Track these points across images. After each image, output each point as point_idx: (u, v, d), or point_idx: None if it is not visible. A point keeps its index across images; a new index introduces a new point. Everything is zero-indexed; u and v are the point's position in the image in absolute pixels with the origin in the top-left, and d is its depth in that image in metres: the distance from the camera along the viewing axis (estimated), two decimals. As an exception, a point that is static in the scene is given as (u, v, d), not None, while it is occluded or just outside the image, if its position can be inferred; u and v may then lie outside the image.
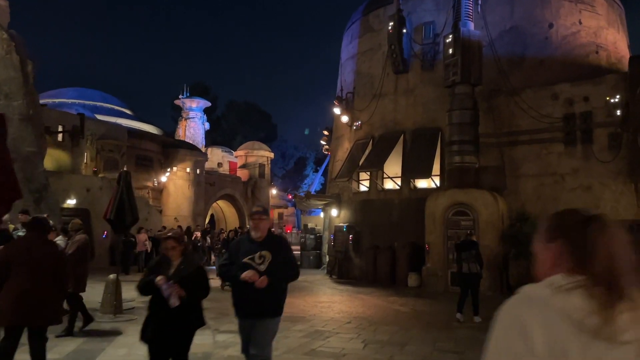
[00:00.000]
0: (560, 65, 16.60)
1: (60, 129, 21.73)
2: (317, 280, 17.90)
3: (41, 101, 30.51)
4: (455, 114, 15.32)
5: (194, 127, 57.36)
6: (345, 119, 19.61)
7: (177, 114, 61.07)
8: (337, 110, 19.70)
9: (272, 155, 44.48)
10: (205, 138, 63.99)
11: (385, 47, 18.19)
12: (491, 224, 14.38)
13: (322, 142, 23.55)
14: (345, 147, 20.19)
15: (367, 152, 18.30)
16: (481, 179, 15.52)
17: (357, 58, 20.03)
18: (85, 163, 24.77)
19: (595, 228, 1.43)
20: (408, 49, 17.80)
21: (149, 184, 31.17)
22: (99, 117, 29.02)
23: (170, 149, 33.08)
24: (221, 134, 76.46)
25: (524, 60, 16.82)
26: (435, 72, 17.29)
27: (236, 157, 44.01)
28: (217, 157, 48.25)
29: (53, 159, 21.86)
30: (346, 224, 18.60)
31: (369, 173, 18.16)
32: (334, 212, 19.75)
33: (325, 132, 23.19)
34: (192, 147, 34.92)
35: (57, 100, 29.72)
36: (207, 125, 59.45)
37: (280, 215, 57.07)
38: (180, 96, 58.29)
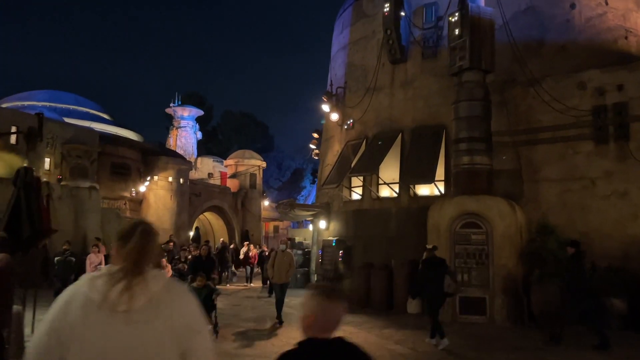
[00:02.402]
0: (585, 52, 14.08)
1: (13, 129, 19.21)
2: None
3: (10, 104, 28.09)
4: (463, 106, 12.79)
5: (185, 136, 54.99)
6: (334, 116, 17.10)
7: (170, 123, 58.57)
8: (325, 108, 17.19)
9: (264, 164, 41.93)
10: (200, 149, 61.64)
11: (380, 35, 15.74)
12: (508, 238, 11.79)
13: (312, 146, 21.02)
14: (335, 150, 17.66)
15: (359, 154, 15.76)
16: (494, 184, 12.96)
17: (348, 48, 17.58)
18: (48, 170, 22.24)
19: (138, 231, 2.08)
20: (407, 35, 15.36)
21: (126, 194, 28.63)
22: (71, 120, 26.58)
23: (151, 156, 30.58)
24: (216, 144, 74.37)
25: (542, 45, 14.32)
26: (438, 61, 14.82)
27: (226, 166, 41.47)
28: (207, 167, 45.74)
29: (6, 164, 19.36)
30: (335, 238, 16.00)
31: (361, 179, 15.60)
32: (322, 224, 17.16)
33: (315, 135, 20.67)
34: (174, 155, 32.47)
35: (26, 103, 27.37)
36: (199, 135, 57.12)
37: (276, 229, 54.30)
38: (171, 104, 56.02)
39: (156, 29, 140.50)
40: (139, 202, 30.13)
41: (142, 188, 29.45)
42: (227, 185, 40.39)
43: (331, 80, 18.41)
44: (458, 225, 12.09)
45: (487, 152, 12.66)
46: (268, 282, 15.33)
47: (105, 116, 30.51)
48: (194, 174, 44.33)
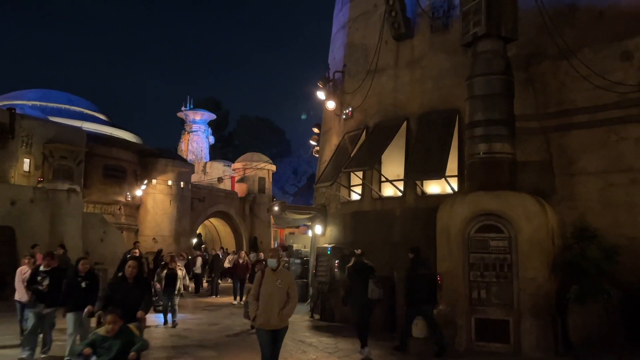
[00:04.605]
0: (628, 17, 11.51)
1: (-21, 126, 17.50)
2: (290, 323, 12.94)
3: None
4: (479, 81, 10.40)
5: (197, 140, 53.38)
6: (331, 104, 14.83)
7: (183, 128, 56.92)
8: (321, 95, 14.94)
9: (273, 167, 39.86)
10: (216, 154, 60.07)
11: (383, 8, 13.44)
12: (537, 244, 9.33)
13: (312, 142, 18.79)
14: (333, 144, 15.38)
15: (357, 146, 13.46)
16: (519, 178, 10.51)
17: (348, 27, 15.32)
18: (28, 171, 20.46)
19: None
20: (412, 5, 13.05)
21: (121, 198, 26.81)
22: (62, 120, 24.87)
23: (149, 158, 28.74)
24: (232, 150, 72.90)
25: (575, 11, 11.77)
26: (449, 34, 12.46)
27: (233, 169, 39.52)
28: (217, 172, 43.88)
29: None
30: (331, 245, 13.70)
31: (360, 175, 13.29)
32: (318, 229, 14.88)
33: (315, 130, 18.43)
34: (174, 157, 30.56)
35: (16, 102, 25.76)
36: (211, 139, 55.48)
37: (292, 236, 52.11)
38: (182, 108, 54.55)
39: (173, 33, 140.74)
40: (135, 207, 28.29)
41: (139, 192, 27.60)
42: (236, 189, 38.42)
43: (330, 66, 16.18)
44: (473, 229, 9.67)
45: (509, 138, 10.22)
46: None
47: (101, 116, 28.81)
48: (203, 179, 42.54)
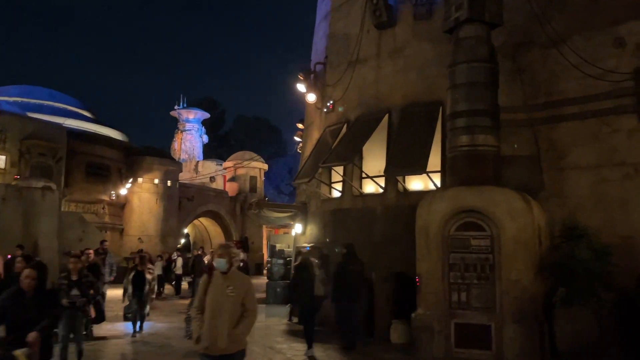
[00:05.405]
0: (621, 3, 10.75)
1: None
2: (265, 327, 12.30)
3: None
4: (461, 69, 9.70)
5: (190, 139, 52.72)
6: (312, 97, 14.14)
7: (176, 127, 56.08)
8: (301, 87, 14.25)
9: (265, 166, 39.15)
10: (212, 153, 59.32)
11: (366, -4, 12.77)
12: (522, 244, 8.63)
13: (297, 139, 18.12)
14: (315, 138, 14.70)
15: (337, 141, 12.77)
16: (504, 174, 9.82)
17: (330, 17, 14.65)
18: (3, 168, 19.79)
19: None
20: (395, -9, 12.38)
21: (105, 197, 26.09)
22: (43, 116, 24.16)
23: (135, 156, 28.05)
24: (228, 149, 72.26)
25: (566, -4, 11.14)
26: (433, 21, 11.77)
27: (224, 168, 38.82)
28: (209, 171, 43.19)
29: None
30: (310, 245, 13.01)
31: (341, 171, 12.60)
32: (298, 227, 14.20)
33: (300, 125, 17.76)
34: (161, 155, 29.85)
35: (-3, 98, 25.04)
36: (205, 138, 54.84)
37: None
38: (175, 107, 53.85)
39: (168, 33, 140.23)
40: (120, 206, 27.60)
41: (123, 191, 26.90)
42: (227, 188, 37.73)
43: (312, 58, 15.51)
44: (453, 227, 8.98)
45: (492, 130, 9.53)
46: None
47: (85, 112, 28.10)
48: (194, 178, 41.83)
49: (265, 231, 39.70)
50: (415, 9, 12.09)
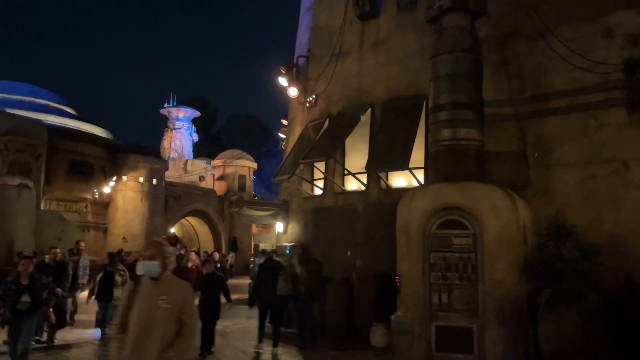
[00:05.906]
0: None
1: None
2: (243, 329, 11.84)
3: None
4: (444, 60, 9.28)
5: (180, 138, 52.07)
6: (293, 91, 13.70)
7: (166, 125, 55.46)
8: (283, 81, 13.79)
9: (254, 165, 38.67)
10: (203, 152, 58.69)
11: (350, -13, 12.34)
12: (506, 243, 8.22)
13: (281, 135, 17.66)
14: (297, 134, 14.25)
15: (318, 137, 12.33)
16: (489, 170, 9.41)
17: (314, 8, 14.21)
18: (-20, 166, 19.20)
19: None
20: (378, -19, 11.95)
21: (88, 195, 25.51)
22: (24, 113, 23.60)
23: (119, 154, 27.49)
24: (220, 148, 71.69)
25: (554, -14, 10.75)
26: (418, 12, 11.33)
27: (213, 167, 38.29)
28: (198, 169, 42.68)
29: None
30: (290, 244, 12.58)
31: (323, 168, 12.16)
32: (279, 226, 13.76)
33: (284, 122, 17.31)
34: (145, 152, 29.28)
35: (-25, 94, 24.47)
36: (195, 137, 54.28)
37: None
38: (165, 105, 53.25)
39: (159, 31, 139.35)
40: (104, 205, 27.04)
41: (107, 189, 26.34)
42: (216, 187, 37.21)
43: (295, 51, 15.06)
44: (434, 225, 8.55)
45: (476, 124, 9.11)
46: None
47: (68, 109, 27.51)
48: (183, 176, 41.29)
49: (255, 230, 39.21)
50: (399, 0, 11.67)
